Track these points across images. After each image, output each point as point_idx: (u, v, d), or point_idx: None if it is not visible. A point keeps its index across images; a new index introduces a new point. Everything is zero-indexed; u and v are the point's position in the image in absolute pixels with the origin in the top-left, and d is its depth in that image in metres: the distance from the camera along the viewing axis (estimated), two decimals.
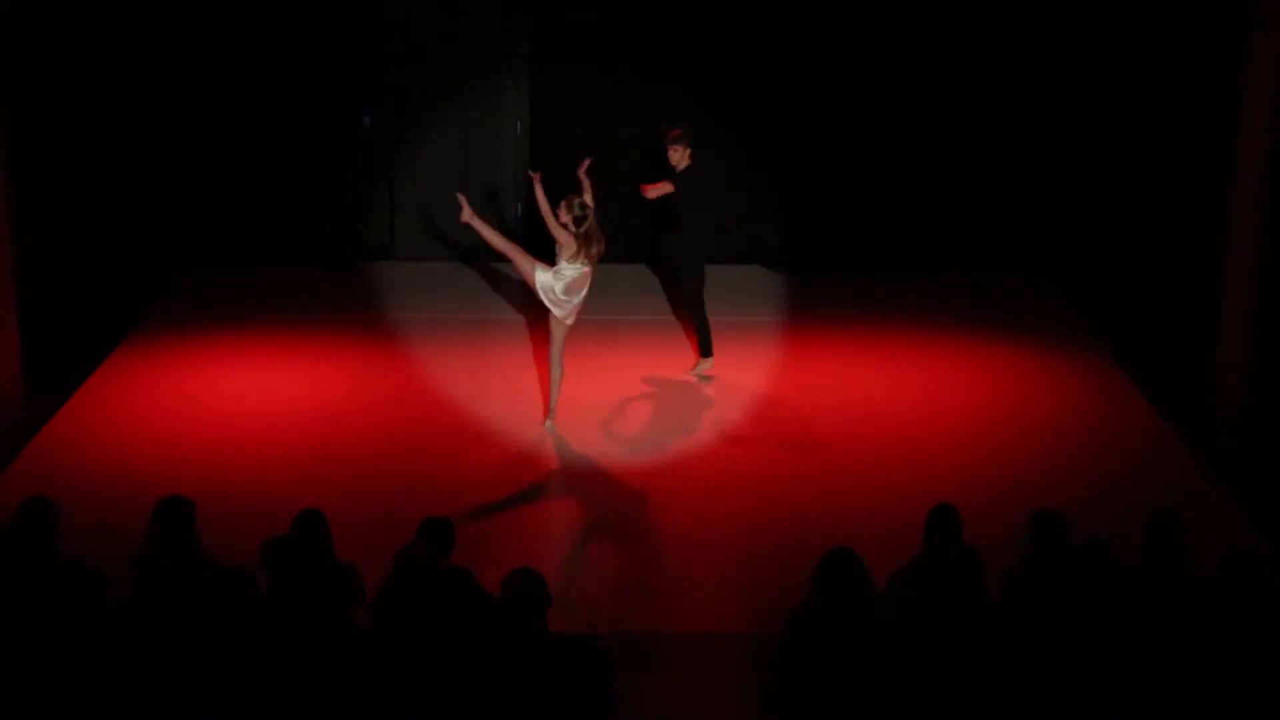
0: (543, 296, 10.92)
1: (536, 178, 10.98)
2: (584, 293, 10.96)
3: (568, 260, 10.85)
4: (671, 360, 12.71)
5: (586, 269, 10.88)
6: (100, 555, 7.57)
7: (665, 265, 13.50)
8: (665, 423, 11.60)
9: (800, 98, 14.93)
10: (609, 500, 10.53)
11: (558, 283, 10.87)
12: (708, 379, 12.36)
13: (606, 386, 12.21)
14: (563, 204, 10.81)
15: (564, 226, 10.77)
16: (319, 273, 14.74)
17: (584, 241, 10.81)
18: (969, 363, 12.81)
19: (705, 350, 12.38)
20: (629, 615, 9.08)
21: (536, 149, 15.18)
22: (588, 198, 10.89)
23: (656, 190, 12.16)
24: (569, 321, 11.04)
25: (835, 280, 14.78)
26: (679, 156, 12.07)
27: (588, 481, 10.74)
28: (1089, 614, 6.85)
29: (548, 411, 11.33)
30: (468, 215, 11.04)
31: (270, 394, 12.02)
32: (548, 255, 11.04)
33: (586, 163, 11.13)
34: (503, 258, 11.13)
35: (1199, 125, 13.04)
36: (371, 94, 15.00)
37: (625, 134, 14.49)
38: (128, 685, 6.61)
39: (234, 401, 11.84)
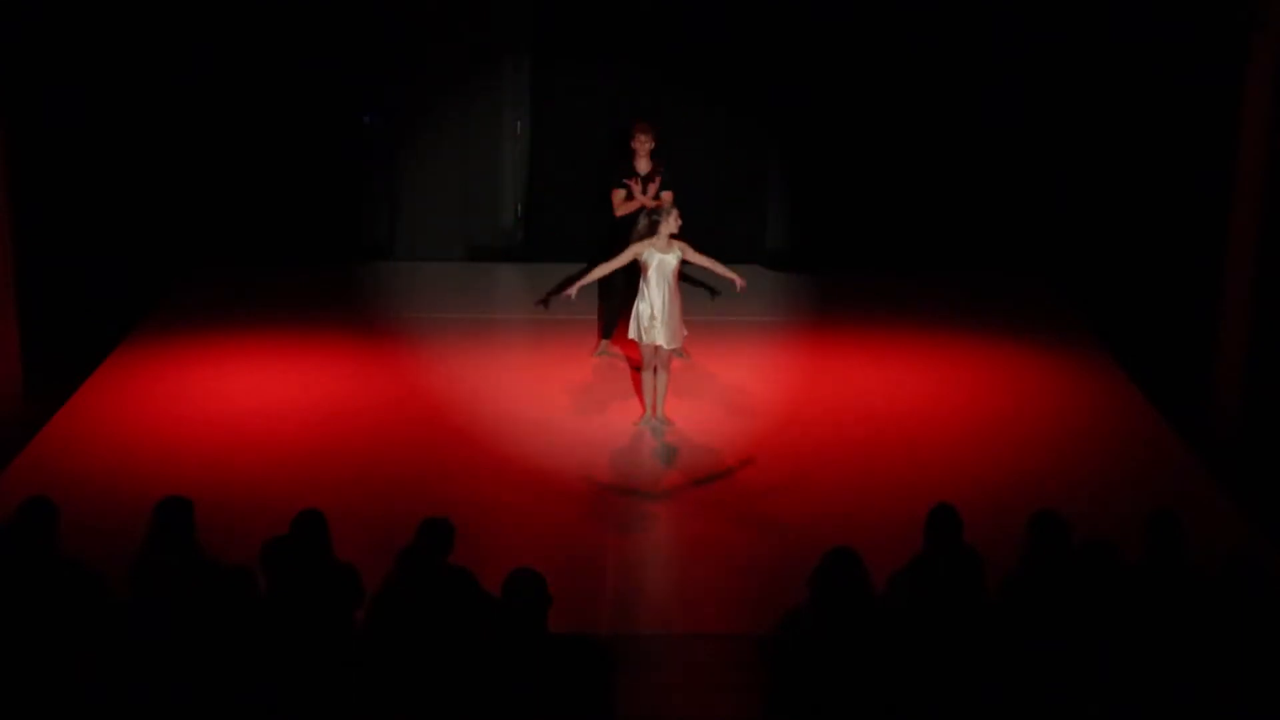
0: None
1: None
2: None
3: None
4: (676, 362, 12.70)
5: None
6: (100, 555, 7.59)
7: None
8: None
9: (801, 98, 14.93)
10: (610, 500, 10.53)
11: None
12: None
13: (608, 386, 12.22)
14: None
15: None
16: (319, 273, 14.73)
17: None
18: (969, 363, 12.81)
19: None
20: (629, 615, 9.09)
21: (536, 149, 15.19)
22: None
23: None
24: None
25: (835, 280, 14.78)
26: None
27: (588, 481, 10.74)
28: (1089, 614, 6.85)
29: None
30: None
31: (270, 394, 12.02)
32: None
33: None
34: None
35: (1199, 125, 13.04)
36: (371, 94, 15.00)
37: (626, 133, 14.47)
38: (127, 685, 6.61)
39: (234, 401, 11.83)
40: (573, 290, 11.21)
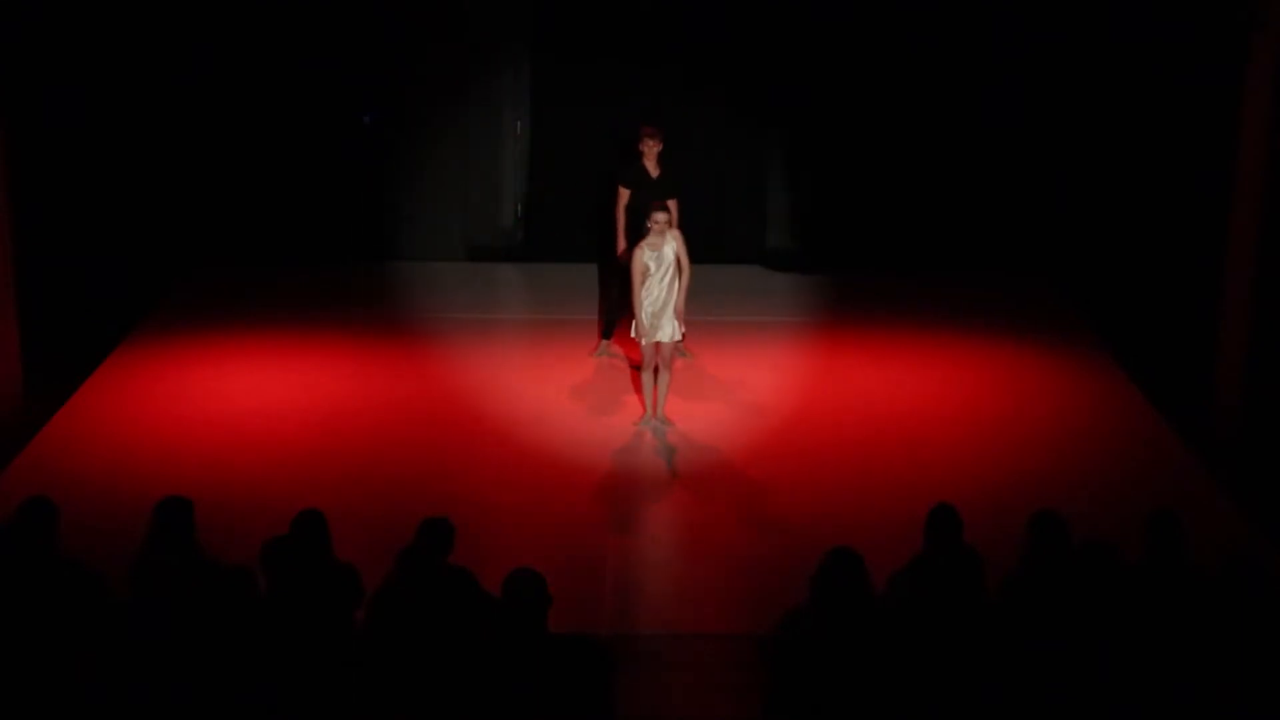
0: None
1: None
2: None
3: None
4: (678, 362, 12.70)
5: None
6: (100, 555, 7.59)
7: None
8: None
9: (801, 98, 14.93)
10: (610, 500, 10.54)
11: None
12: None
13: (608, 386, 12.22)
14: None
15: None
16: (319, 273, 14.72)
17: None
18: (969, 363, 12.81)
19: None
20: (629, 615, 9.09)
21: (536, 149, 15.18)
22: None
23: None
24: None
25: (835, 280, 14.77)
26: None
27: (588, 481, 10.74)
28: (1089, 614, 6.85)
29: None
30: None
31: (270, 394, 12.02)
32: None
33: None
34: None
35: (1199, 125, 13.04)
36: (371, 94, 15.00)
37: (626, 134, 14.48)
38: (127, 685, 6.61)
39: (234, 401, 11.84)
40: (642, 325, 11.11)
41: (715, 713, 8.08)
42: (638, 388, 11.68)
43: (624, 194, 12.34)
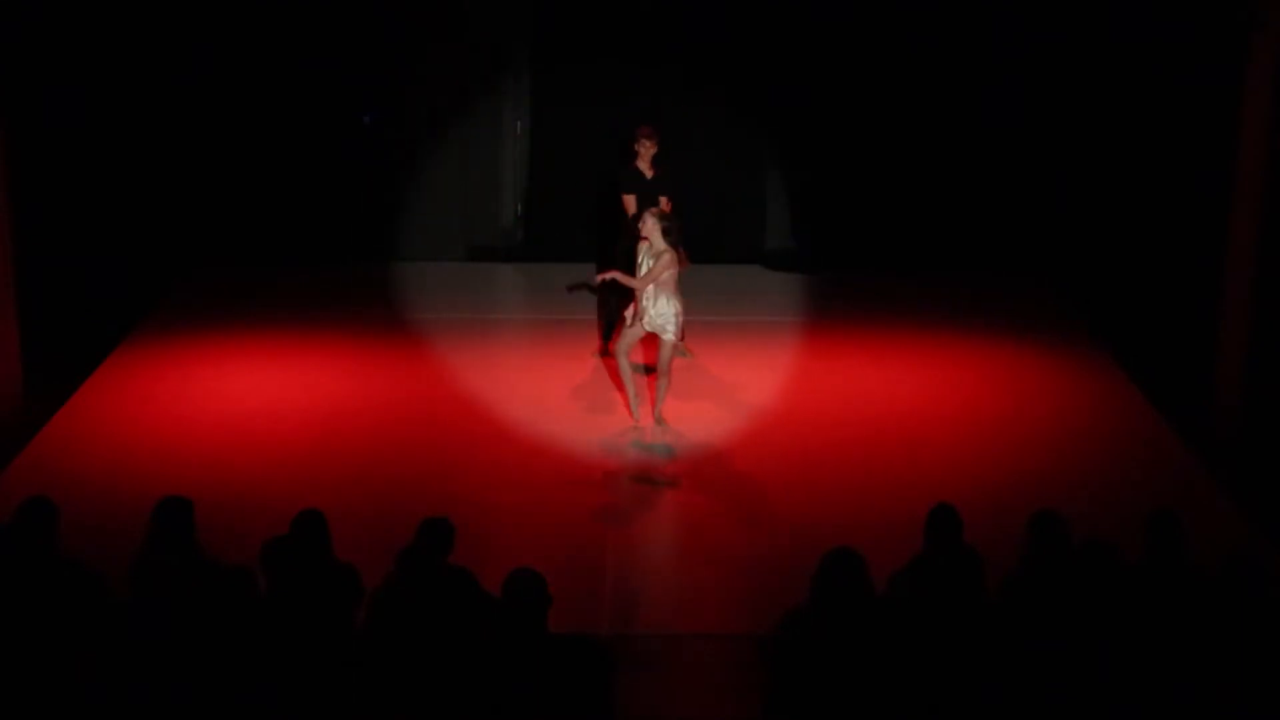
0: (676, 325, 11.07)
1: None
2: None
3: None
4: (678, 362, 12.70)
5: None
6: (100, 555, 7.60)
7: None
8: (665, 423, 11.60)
9: (801, 98, 14.93)
10: (610, 500, 10.54)
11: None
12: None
13: (608, 386, 12.22)
14: (653, 223, 10.93)
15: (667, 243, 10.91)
16: (319, 273, 14.73)
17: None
18: (969, 363, 12.81)
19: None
20: (629, 615, 9.09)
21: (536, 149, 15.19)
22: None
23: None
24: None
25: (835, 280, 14.78)
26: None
27: (588, 481, 10.74)
28: (1089, 614, 6.85)
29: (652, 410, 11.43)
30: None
31: (270, 394, 12.02)
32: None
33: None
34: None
35: (1199, 124, 13.05)
36: (371, 94, 15.00)
37: (626, 135, 14.50)
38: (127, 685, 6.61)
39: (234, 402, 11.84)
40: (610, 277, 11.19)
41: (715, 713, 8.08)
42: (638, 388, 11.68)
43: (629, 201, 12.31)
